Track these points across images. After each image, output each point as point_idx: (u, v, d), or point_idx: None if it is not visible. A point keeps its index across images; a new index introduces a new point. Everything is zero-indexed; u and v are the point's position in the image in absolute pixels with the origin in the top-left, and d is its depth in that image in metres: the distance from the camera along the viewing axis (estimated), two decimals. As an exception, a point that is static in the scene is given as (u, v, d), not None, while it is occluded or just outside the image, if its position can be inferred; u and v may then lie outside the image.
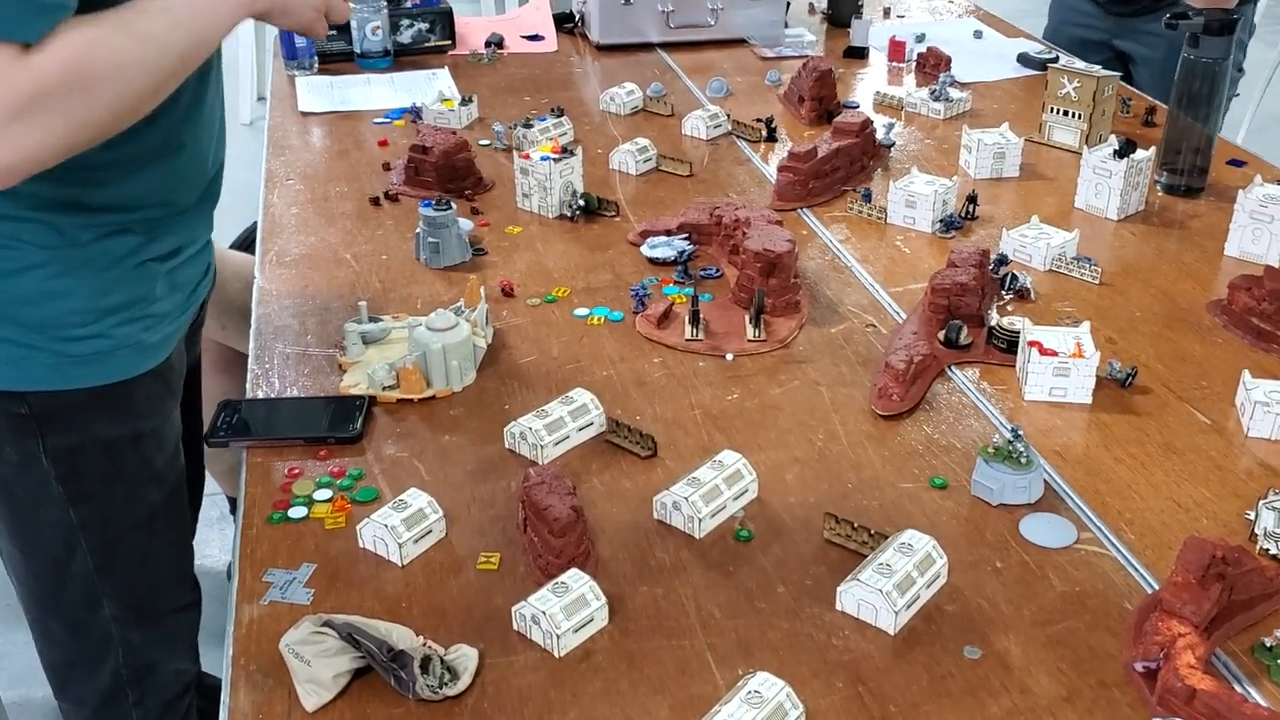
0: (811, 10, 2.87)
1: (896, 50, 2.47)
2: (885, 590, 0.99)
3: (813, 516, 1.13)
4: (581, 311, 1.49)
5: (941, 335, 1.41)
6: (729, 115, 2.10)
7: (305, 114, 2.19)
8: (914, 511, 1.14)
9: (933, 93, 2.19)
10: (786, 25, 2.66)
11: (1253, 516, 1.13)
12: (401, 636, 0.95)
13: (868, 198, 1.79)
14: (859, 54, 2.52)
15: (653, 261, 1.62)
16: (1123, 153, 1.73)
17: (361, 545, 1.09)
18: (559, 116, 2.05)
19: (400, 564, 1.07)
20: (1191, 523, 1.14)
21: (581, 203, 1.74)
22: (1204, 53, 1.74)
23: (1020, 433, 1.16)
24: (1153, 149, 1.80)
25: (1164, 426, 1.28)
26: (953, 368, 1.39)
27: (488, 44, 2.54)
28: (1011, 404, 1.32)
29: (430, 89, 2.28)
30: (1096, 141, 1.93)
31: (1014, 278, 1.54)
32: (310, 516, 1.13)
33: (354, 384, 1.33)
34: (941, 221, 1.72)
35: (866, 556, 1.05)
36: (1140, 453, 1.24)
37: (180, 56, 1.12)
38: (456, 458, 1.22)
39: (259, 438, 1.24)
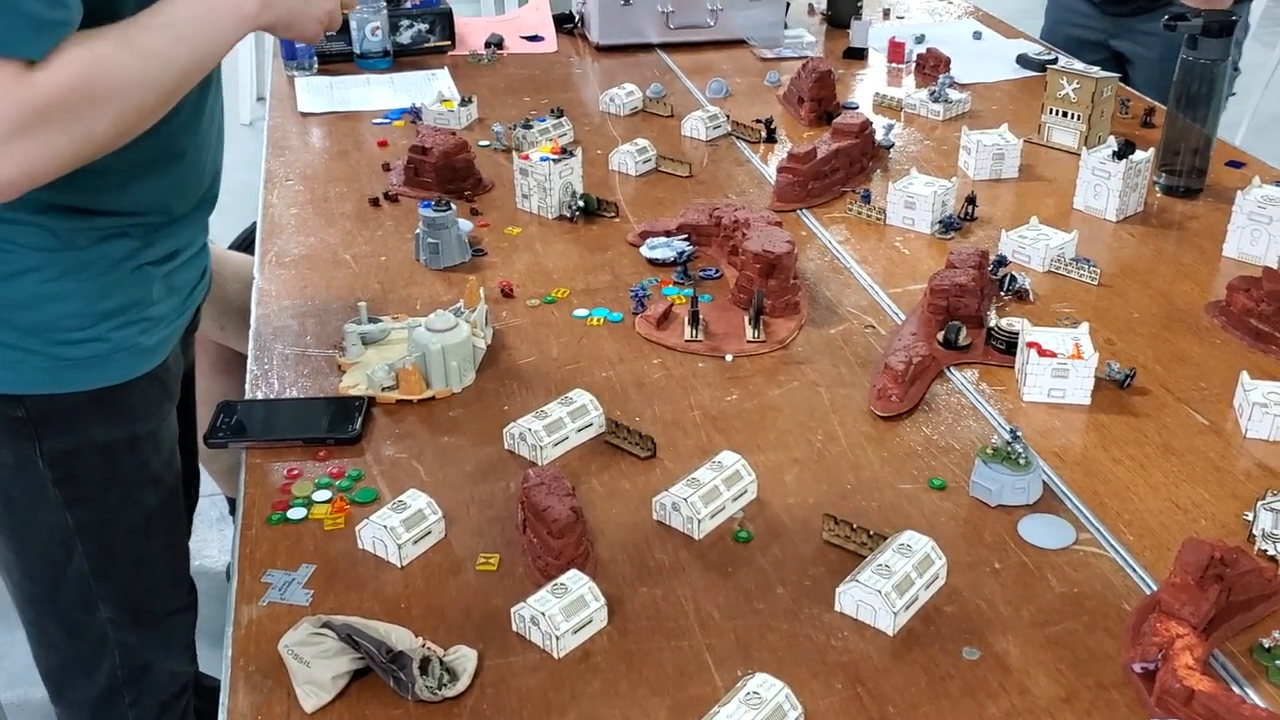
0: (811, 11, 2.87)
1: (896, 51, 2.47)
2: (884, 591, 0.99)
3: (812, 517, 1.13)
4: (581, 312, 1.49)
5: (940, 336, 1.41)
6: (728, 116, 2.11)
7: (305, 114, 2.19)
8: (913, 512, 1.14)
9: (932, 94, 2.19)
10: (786, 26, 2.66)
11: (1251, 517, 1.13)
12: (400, 638, 0.95)
13: (867, 199, 1.79)
14: (858, 55, 2.52)
15: (652, 262, 1.62)
16: (1121, 154, 1.73)
17: (360, 546, 1.09)
18: (558, 117, 2.05)
19: (399, 565, 1.07)
20: (1190, 524, 1.14)
21: (581, 203, 1.74)
22: (1202, 54, 1.74)
23: (1019, 434, 1.16)
24: (1151, 150, 1.81)
25: (1162, 428, 1.28)
26: (951, 369, 1.39)
27: (487, 44, 2.55)
28: (1010, 405, 1.32)
29: (430, 89, 2.28)
30: (1095, 143, 1.94)
31: (1013, 279, 1.54)
32: (309, 517, 1.13)
33: (353, 385, 1.33)
34: (940, 223, 1.72)
35: (865, 557, 1.05)
36: (1139, 454, 1.24)
37: (183, 71, 1.12)
38: (456, 459, 1.22)
39: (258, 439, 1.24)
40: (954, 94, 2.19)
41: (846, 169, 1.88)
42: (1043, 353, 1.31)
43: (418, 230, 1.62)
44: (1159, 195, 1.85)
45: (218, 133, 1.36)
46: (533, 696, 0.93)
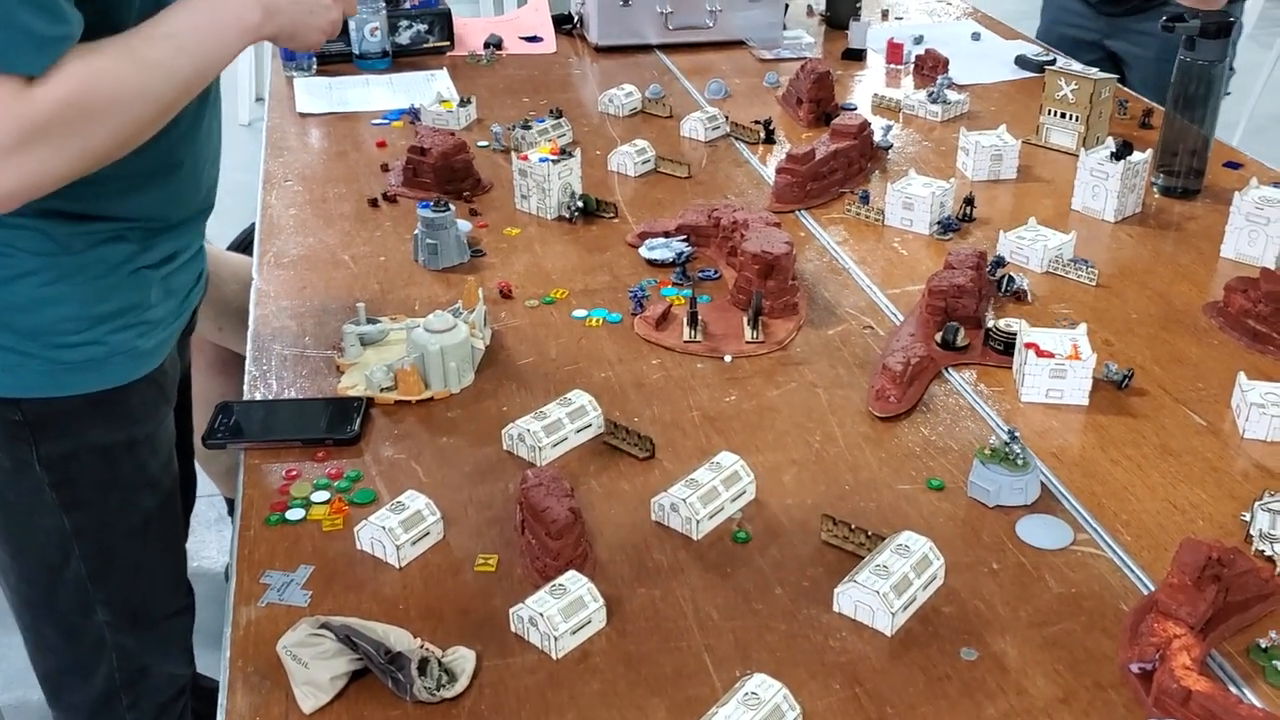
0: (810, 12, 2.87)
1: (894, 52, 2.47)
2: (882, 592, 0.99)
3: (810, 518, 1.13)
4: (580, 313, 1.50)
5: (938, 337, 1.42)
6: (727, 117, 2.11)
7: (303, 115, 2.19)
8: (911, 513, 1.15)
9: (930, 95, 2.19)
10: (785, 27, 2.66)
11: (1248, 518, 1.13)
12: (399, 638, 0.95)
13: (865, 199, 1.79)
14: (857, 56, 2.52)
15: (651, 263, 1.62)
16: (1119, 155, 1.73)
17: (359, 547, 1.09)
18: (557, 118, 2.05)
19: (398, 566, 1.07)
20: (1187, 524, 1.14)
21: (580, 204, 1.74)
22: (1200, 55, 1.74)
23: (1017, 434, 1.16)
24: (1149, 151, 1.81)
25: (1160, 428, 1.28)
26: (950, 369, 1.39)
27: (486, 45, 2.55)
28: (1008, 406, 1.32)
29: (429, 90, 2.28)
30: (1093, 144, 1.94)
31: (1011, 280, 1.54)
32: (308, 518, 1.13)
33: (352, 385, 1.33)
34: (939, 223, 1.72)
35: (864, 558, 1.05)
36: (1136, 454, 1.24)
37: (184, 83, 1.12)
38: (454, 459, 1.22)
39: (257, 439, 1.24)
40: (952, 95, 2.20)
41: (845, 170, 1.88)
42: (1041, 353, 1.31)
43: (416, 231, 1.62)
44: (1157, 196, 1.85)
45: (216, 143, 1.37)
46: (531, 697, 0.94)
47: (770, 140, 2.06)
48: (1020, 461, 1.14)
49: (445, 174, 1.82)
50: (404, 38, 2.49)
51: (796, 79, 2.19)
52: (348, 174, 1.92)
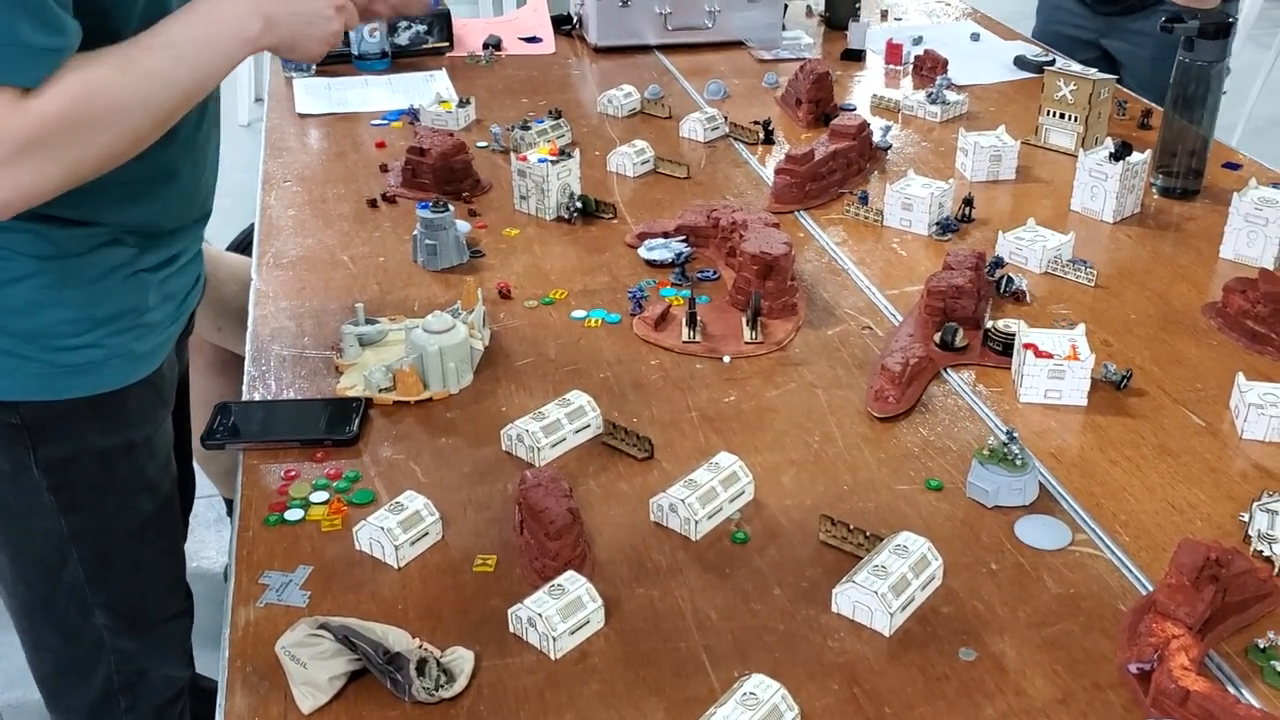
0: (809, 13, 2.87)
1: (894, 53, 2.47)
2: (880, 592, 0.99)
3: (809, 518, 1.13)
4: (579, 314, 1.50)
5: (937, 338, 1.42)
6: (726, 117, 2.11)
7: (303, 116, 2.19)
8: (909, 513, 1.15)
9: (929, 95, 2.19)
10: (784, 28, 2.66)
11: (1246, 518, 1.13)
12: (398, 639, 0.95)
13: (864, 200, 1.79)
14: (856, 56, 2.52)
15: (650, 264, 1.62)
16: (1118, 155, 1.73)
17: (358, 548, 1.09)
18: (557, 119, 2.05)
19: (396, 566, 1.07)
20: (1186, 525, 1.14)
21: (579, 205, 1.75)
22: (1199, 56, 1.74)
23: (1015, 435, 1.16)
24: (1148, 152, 1.81)
25: (1159, 429, 1.28)
26: (948, 370, 1.39)
27: (485, 46, 2.55)
28: (1007, 406, 1.32)
29: (428, 91, 2.28)
30: (1092, 144, 1.94)
31: (1010, 280, 1.54)
32: (307, 519, 1.13)
33: (350, 386, 1.33)
34: (938, 224, 1.72)
35: (862, 558, 1.05)
36: (1135, 455, 1.24)
37: (183, 93, 1.11)
38: (453, 460, 1.22)
39: (255, 440, 1.24)
40: (951, 95, 2.20)
41: (844, 170, 1.88)
42: (1039, 354, 1.31)
43: (415, 231, 1.62)
44: (1156, 197, 1.85)
45: (214, 151, 1.36)
46: (530, 698, 0.94)
47: (769, 141, 2.06)
48: (1019, 462, 1.14)
49: (444, 174, 1.82)
50: (403, 38, 2.49)
51: (795, 80, 2.19)
52: (347, 174, 1.92)
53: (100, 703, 1.41)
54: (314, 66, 2.39)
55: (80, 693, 1.41)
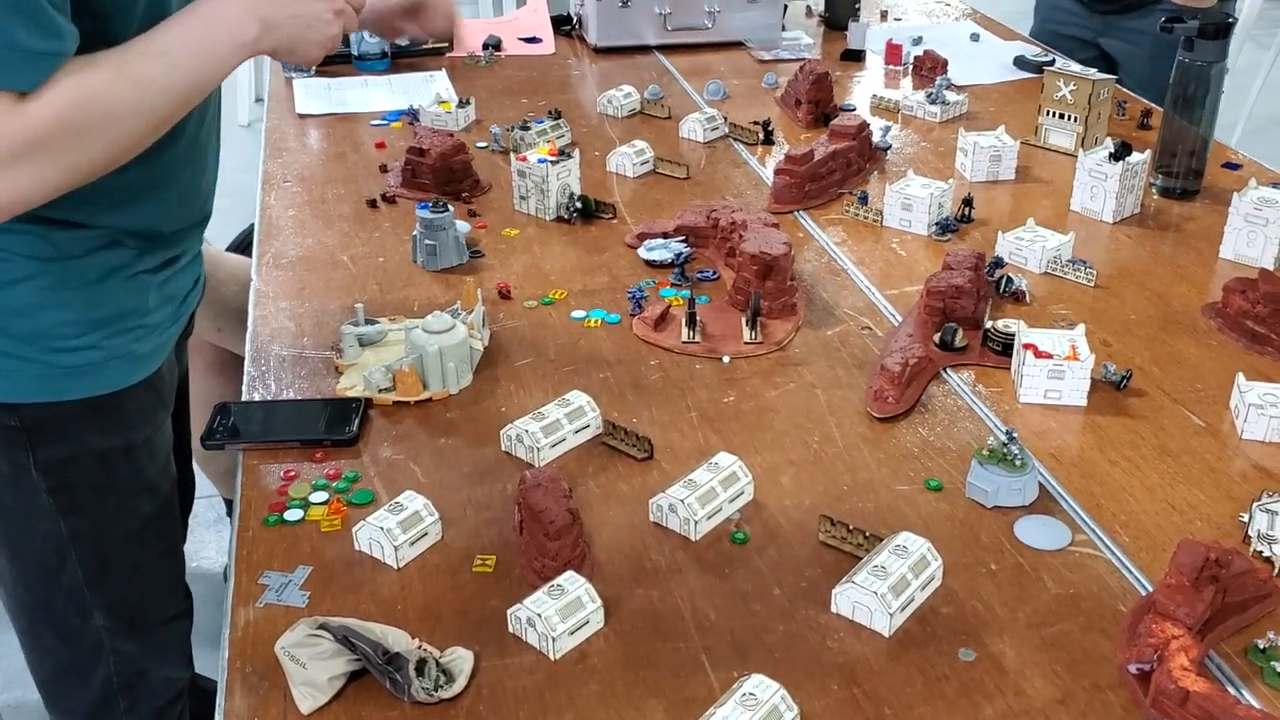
0: (808, 13, 2.87)
1: (893, 53, 2.47)
2: (880, 592, 0.99)
3: (808, 519, 1.13)
4: (578, 314, 1.50)
5: (937, 338, 1.42)
6: (726, 118, 2.11)
7: (303, 116, 2.19)
8: (909, 514, 1.15)
9: (929, 95, 2.19)
10: (783, 28, 2.66)
11: (1246, 519, 1.13)
12: (397, 639, 0.95)
13: (864, 200, 1.79)
14: (856, 57, 2.52)
15: (650, 264, 1.62)
16: (1118, 155, 1.73)
17: (357, 548, 1.09)
18: (556, 119, 2.05)
19: (396, 567, 1.07)
20: (1185, 525, 1.14)
21: (579, 205, 1.75)
22: (1199, 56, 1.74)
23: (1015, 435, 1.16)
24: (1148, 152, 1.81)
25: (1158, 429, 1.28)
26: (948, 370, 1.39)
27: (485, 46, 2.55)
28: (1006, 406, 1.32)
29: (428, 91, 2.28)
30: (1092, 144, 1.94)
31: (1009, 280, 1.54)
32: (306, 519, 1.13)
33: (350, 386, 1.33)
34: (937, 224, 1.72)
35: (861, 559, 1.05)
36: (1135, 455, 1.24)
37: (179, 98, 1.11)
38: (453, 460, 1.22)
39: (255, 440, 1.24)
40: (951, 96, 2.20)
41: (844, 171, 1.88)
42: (1039, 354, 1.31)
43: (415, 232, 1.62)
44: (1155, 197, 1.85)
45: (214, 154, 1.36)
46: (529, 698, 0.94)
47: (769, 141, 2.06)
48: (1018, 462, 1.14)
49: (444, 175, 1.82)
50: (403, 38, 2.49)
51: (795, 80, 2.19)
52: (346, 175, 1.92)
53: (100, 704, 1.41)
54: (314, 67, 2.39)
55: (79, 694, 1.41)
